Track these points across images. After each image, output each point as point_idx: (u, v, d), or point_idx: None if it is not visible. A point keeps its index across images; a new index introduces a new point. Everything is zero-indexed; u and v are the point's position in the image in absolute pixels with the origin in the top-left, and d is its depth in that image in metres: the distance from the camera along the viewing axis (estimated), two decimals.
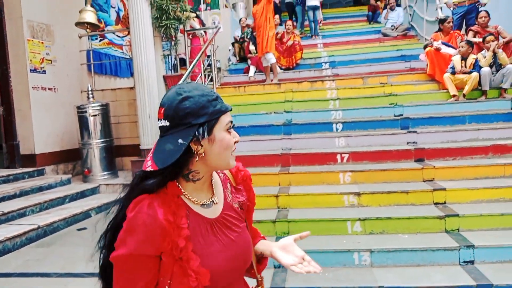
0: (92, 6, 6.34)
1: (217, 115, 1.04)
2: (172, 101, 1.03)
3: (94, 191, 5.88)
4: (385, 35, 10.09)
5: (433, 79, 6.38)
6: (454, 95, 5.68)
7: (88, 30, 5.90)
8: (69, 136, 6.63)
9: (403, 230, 3.61)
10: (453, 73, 5.78)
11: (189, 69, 5.18)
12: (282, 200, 4.07)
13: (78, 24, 5.82)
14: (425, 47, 6.76)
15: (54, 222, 4.57)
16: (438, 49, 6.29)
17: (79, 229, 4.69)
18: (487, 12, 6.31)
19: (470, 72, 5.64)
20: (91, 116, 6.02)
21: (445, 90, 5.93)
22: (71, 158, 6.68)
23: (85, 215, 5.06)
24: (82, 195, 5.62)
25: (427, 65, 6.58)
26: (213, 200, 1.13)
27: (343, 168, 4.49)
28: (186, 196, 1.08)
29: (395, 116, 5.48)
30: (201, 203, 1.10)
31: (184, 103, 1.02)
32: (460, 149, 4.54)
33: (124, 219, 1.02)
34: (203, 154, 1.05)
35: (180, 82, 4.78)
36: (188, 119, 1.02)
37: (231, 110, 1.10)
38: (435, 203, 3.88)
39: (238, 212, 1.18)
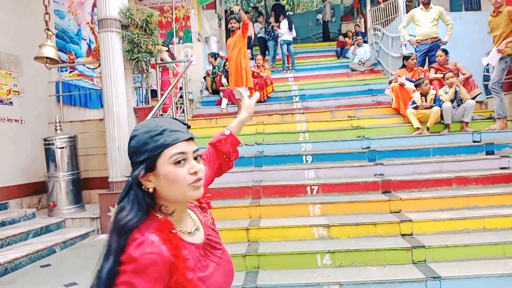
0: (57, 37, 6.28)
1: (159, 150, 1.05)
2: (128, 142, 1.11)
3: (59, 225, 5.68)
4: (353, 70, 10.42)
5: (398, 112, 6.61)
6: (418, 128, 5.90)
7: (47, 64, 5.86)
8: (35, 169, 6.45)
9: (372, 262, 3.64)
10: (416, 107, 6.02)
11: (159, 103, 5.20)
12: (252, 233, 4.05)
13: (37, 58, 5.78)
14: (390, 82, 7.04)
15: (16, 259, 4.38)
16: (402, 85, 6.56)
17: (42, 266, 4.50)
18: (443, 50, 6.66)
19: (431, 107, 5.90)
20: (58, 148, 5.89)
21: (410, 124, 6.14)
22: (37, 191, 6.48)
23: (50, 250, 4.87)
24: (46, 230, 5.42)
25: (392, 99, 6.82)
26: (196, 228, 1.17)
27: (313, 200, 4.53)
28: (175, 228, 1.09)
29: (362, 148, 5.63)
30: (188, 232, 1.13)
31: (131, 142, 1.10)
32: (425, 181, 4.68)
33: (118, 266, 1.00)
34: (151, 190, 1.07)
35: (150, 115, 4.78)
36: (133, 157, 1.08)
37: (188, 139, 1.10)
38: (402, 235, 3.95)
39: (215, 229, 1.24)
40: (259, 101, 7.86)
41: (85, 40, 8.34)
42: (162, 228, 1.04)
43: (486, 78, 6.91)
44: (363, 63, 10.47)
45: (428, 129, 5.88)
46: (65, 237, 5.18)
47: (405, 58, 7.07)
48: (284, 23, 11.14)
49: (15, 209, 6.01)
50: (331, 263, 3.65)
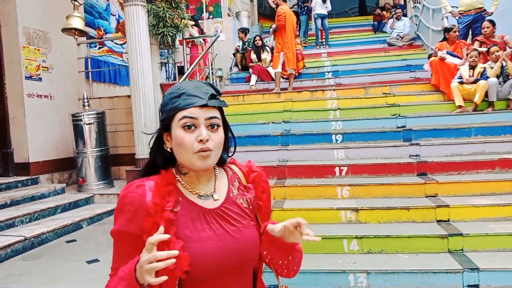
0: (85, 10, 6.19)
1: (173, 112, 1.07)
2: None
3: (88, 201, 5.72)
4: (390, 44, 9.92)
5: (437, 89, 6.17)
6: (460, 106, 5.46)
7: (76, 36, 5.77)
8: (64, 145, 6.50)
9: (403, 250, 3.39)
10: (461, 83, 5.56)
11: (183, 78, 5.03)
12: (275, 215, 3.86)
13: (65, 30, 5.70)
14: (429, 56, 6.56)
15: (43, 234, 4.41)
16: (443, 59, 6.09)
17: (68, 241, 4.52)
18: (491, 22, 6.10)
19: (476, 81, 5.43)
20: (86, 124, 5.89)
21: (450, 101, 5.71)
22: (67, 167, 6.54)
23: (76, 226, 4.89)
24: (75, 205, 5.47)
25: (431, 75, 6.37)
26: (212, 195, 1.13)
27: (341, 181, 4.28)
28: (183, 185, 1.12)
29: (397, 127, 5.28)
30: (199, 194, 1.12)
31: (162, 101, 1.14)
32: (465, 163, 4.32)
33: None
34: (169, 149, 1.11)
35: None
36: (160, 115, 1.14)
37: (205, 105, 1.06)
38: (438, 221, 3.66)
39: (243, 208, 1.15)
40: (288, 78, 7.59)
41: (114, 15, 8.28)
42: (164, 178, 1.09)
43: None
44: (402, 38, 9.92)
45: (476, 106, 5.41)
46: (92, 213, 5.20)
47: (446, 30, 6.54)
48: None
49: (45, 184, 6.09)
50: (358, 249, 3.43)
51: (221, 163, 1.20)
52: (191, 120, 1.05)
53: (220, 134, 1.09)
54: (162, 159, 1.13)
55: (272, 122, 5.69)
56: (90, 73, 7.16)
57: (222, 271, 1.07)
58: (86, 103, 6.03)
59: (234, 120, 6.06)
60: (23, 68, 5.91)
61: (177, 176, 1.12)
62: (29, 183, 5.90)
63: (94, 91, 7.21)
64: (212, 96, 1.08)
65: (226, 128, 1.16)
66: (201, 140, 1.04)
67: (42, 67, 6.25)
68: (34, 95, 6.09)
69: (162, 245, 0.97)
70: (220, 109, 1.13)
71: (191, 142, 1.04)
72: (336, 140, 5.14)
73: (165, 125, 1.09)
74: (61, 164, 6.48)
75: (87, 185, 5.94)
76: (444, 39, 6.66)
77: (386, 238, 3.42)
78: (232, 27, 10.12)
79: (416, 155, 4.66)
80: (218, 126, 1.09)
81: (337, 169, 4.48)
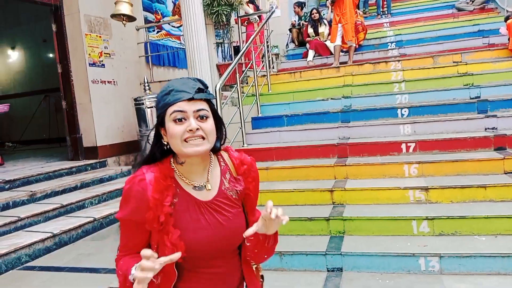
0: None
1: (164, 108, 1.17)
2: None
3: None
4: (459, 9, 9.18)
5: None
6: None
7: (124, 22, 5.84)
8: (129, 128, 6.72)
9: (480, 232, 3.09)
10: None
11: (237, 57, 4.92)
12: (337, 195, 3.70)
13: (114, 16, 5.78)
14: (506, 19, 5.92)
15: (111, 214, 4.59)
16: None
17: None
18: None
19: None
20: (148, 108, 6.01)
21: None
22: (132, 150, 6.77)
23: None
24: None
25: (508, 39, 5.76)
26: (205, 185, 1.23)
27: (408, 159, 3.99)
28: (180, 176, 1.22)
29: (470, 98, 4.83)
30: (194, 185, 1.22)
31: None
32: None
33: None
34: (165, 143, 1.20)
35: (227, 70, 4.53)
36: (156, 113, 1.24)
37: (192, 99, 1.15)
38: None
39: (232, 200, 1.26)
40: (347, 50, 7.25)
41: None
42: (162, 170, 1.19)
43: None
44: (472, 1, 9.11)
45: None
46: None
47: None
48: None
49: (112, 167, 6.36)
50: (429, 231, 3.18)
51: (215, 150, 1.29)
52: (180, 114, 1.15)
53: (209, 123, 1.18)
54: (159, 152, 1.23)
55: (331, 98, 5.45)
56: (150, 58, 7.29)
57: (214, 255, 1.22)
58: (147, 87, 6.15)
59: (291, 98, 5.89)
60: (87, 55, 6.12)
61: (174, 166, 1.22)
62: (98, 166, 6.18)
63: (154, 75, 7.34)
64: (199, 90, 1.17)
65: (217, 118, 1.23)
66: (190, 130, 1.14)
67: (105, 53, 6.45)
68: (98, 81, 6.31)
69: (161, 234, 1.15)
70: (209, 102, 1.21)
71: (181, 132, 1.14)
72: (402, 115, 4.81)
73: (160, 121, 1.19)
74: (127, 147, 6.71)
75: None
76: None
77: (461, 219, 3.14)
78: (287, 1, 9.85)
79: (493, 128, 4.24)
80: (207, 117, 1.18)
81: (403, 146, 4.18)
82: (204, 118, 1.17)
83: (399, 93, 5.23)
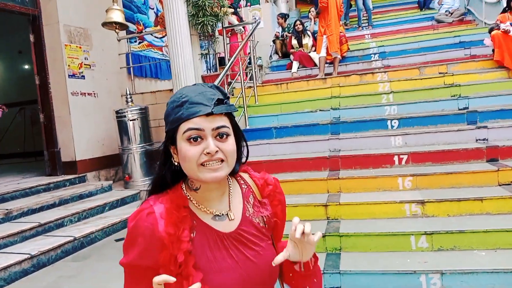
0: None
1: (176, 124, 0.96)
2: None
3: (135, 197, 5.68)
4: (439, 21, 9.31)
5: (500, 66, 5.62)
6: None
7: (117, 30, 5.67)
8: (110, 142, 6.49)
9: (479, 246, 3.03)
10: None
11: (226, 68, 4.81)
12: (332, 210, 3.59)
13: (105, 24, 5.60)
14: (490, 30, 5.98)
15: (92, 233, 4.39)
16: (507, 32, 5.52)
17: (117, 240, 4.47)
18: None
19: None
20: (130, 120, 5.83)
21: None
22: (113, 164, 6.54)
23: (124, 224, 4.83)
24: (122, 202, 5.44)
25: (493, 50, 5.82)
26: (227, 214, 1.03)
27: (401, 171, 3.93)
28: (196, 204, 1.02)
29: (459, 109, 4.82)
30: (213, 214, 1.02)
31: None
32: None
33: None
34: (176, 163, 1.01)
35: (215, 82, 4.42)
36: (165, 125, 1.03)
37: (207, 114, 0.95)
38: None
39: (259, 229, 1.05)
40: (332, 62, 7.22)
41: (152, 9, 8.20)
42: (174, 200, 0.99)
43: None
44: (451, 13, 9.26)
45: None
46: None
47: None
48: None
49: (92, 182, 6.11)
50: (427, 247, 3.10)
51: (233, 172, 1.08)
52: (196, 132, 0.94)
53: (230, 143, 0.98)
54: (170, 174, 1.03)
55: (320, 110, 5.37)
56: (131, 69, 7.11)
57: None
58: (129, 99, 5.97)
59: (279, 110, 5.79)
60: (66, 67, 5.91)
61: (188, 193, 1.02)
62: (77, 182, 5.93)
63: (136, 87, 7.16)
64: (219, 101, 0.97)
65: (238, 134, 1.04)
66: (208, 153, 0.94)
67: (85, 64, 6.24)
68: (78, 93, 6.09)
69: (180, 279, 0.93)
70: (229, 115, 1.01)
71: (196, 155, 0.94)
72: (392, 126, 4.76)
73: (170, 137, 1.00)
74: (107, 161, 6.49)
75: (133, 181, 5.91)
76: (505, 10, 6.07)
77: (459, 234, 3.07)
78: (270, 13, 9.81)
79: (484, 139, 4.22)
80: (228, 135, 0.98)
81: (396, 158, 4.12)
82: (224, 136, 0.97)
83: (387, 105, 5.19)
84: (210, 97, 0.97)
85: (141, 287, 0.97)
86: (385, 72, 6.34)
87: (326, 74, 7.03)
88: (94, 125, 6.32)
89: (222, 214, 1.03)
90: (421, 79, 5.72)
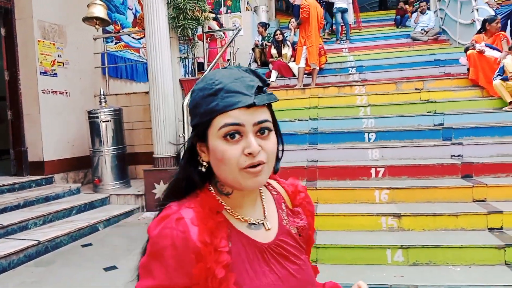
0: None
1: (209, 117, 0.80)
2: None
3: (104, 201, 5.49)
4: (414, 39, 9.53)
5: (475, 84, 5.77)
6: (511, 102, 5.04)
7: (97, 26, 5.49)
8: (80, 143, 6.27)
9: (454, 261, 3.05)
10: (504, 79, 5.14)
11: (205, 73, 4.72)
12: None
13: (87, 19, 5.42)
14: (466, 50, 6.15)
15: (57, 237, 4.19)
16: (481, 52, 5.68)
17: (83, 245, 4.28)
18: None
19: None
20: (103, 122, 5.65)
21: (490, 97, 5.32)
22: (82, 166, 6.31)
23: (92, 229, 4.66)
24: (90, 206, 5.24)
25: (468, 69, 5.97)
26: (263, 223, 0.89)
27: (378, 184, 3.93)
28: (228, 211, 0.86)
29: (434, 125, 4.91)
30: (249, 222, 0.87)
31: (190, 99, 0.87)
32: None
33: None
34: (205, 163, 0.85)
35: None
36: (190, 118, 0.87)
37: (249, 106, 0.78)
38: (490, 229, 3.30)
39: (297, 240, 0.92)
40: (310, 73, 7.25)
41: (131, 9, 8.05)
42: (205, 204, 0.83)
43: None
44: (426, 32, 9.51)
45: None
46: (108, 215, 4.98)
47: (487, 21, 6.08)
48: None
49: (60, 184, 5.88)
50: (403, 261, 3.09)
51: None
52: (234, 127, 0.78)
53: (273, 141, 0.83)
54: (198, 176, 0.86)
55: (298, 120, 5.36)
56: (106, 69, 6.92)
57: None
58: (103, 100, 5.78)
59: None
60: (38, 63, 5.68)
61: (219, 198, 0.86)
62: (43, 183, 5.69)
63: (111, 88, 6.98)
64: (259, 90, 0.80)
65: (277, 130, 0.87)
66: (250, 153, 0.78)
67: (58, 62, 6.03)
68: (49, 91, 5.86)
69: None
70: (269, 106, 0.85)
71: (236, 156, 0.79)
72: (369, 139, 4.79)
73: (199, 133, 0.83)
74: (77, 163, 6.26)
75: (103, 185, 5.71)
76: (480, 31, 6.25)
77: (435, 248, 3.08)
78: (250, 21, 9.81)
79: (459, 155, 4.30)
80: (270, 130, 0.82)
81: (373, 170, 4.13)
82: (266, 132, 0.81)
83: (365, 117, 5.23)
84: (249, 84, 0.80)
85: None
86: (363, 85, 6.40)
87: (304, 85, 7.05)
88: (65, 125, 6.09)
89: (258, 223, 0.89)
90: (398, 94, 5.81)
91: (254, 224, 0.88)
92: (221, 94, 0.79)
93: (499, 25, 6.05)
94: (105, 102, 5.79)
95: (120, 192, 5.65)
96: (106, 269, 3.54)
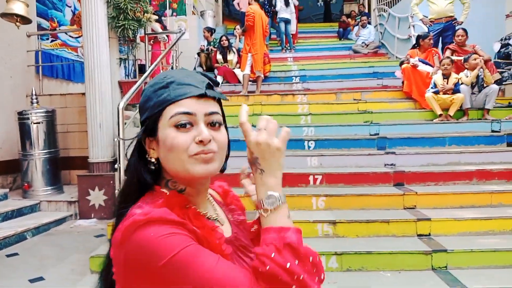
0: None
1: (160, 107, 0.80)
2: None
3: (33, 208, 5.15)
4: (355, 52, 9.93)
5: (409, 97, 6.08)
6: (441, 115, 5.35)
7: (18, 23, 5.16)
8: (9, 145, 5.84)
9: (385, 267, 3.15)
10: (436, 92, 5.45)
11: (145, 75, 4.60)
12: None
13: (5, 15, 5.08)
14: (401, 63, 6.47)
15: None
16: (415, 66, 6.00)
17: (8, 255, 3.98)
18: (464, 30, 6.10)
19: (453, 92, 5.35)
20: (34, 123, 5.31)
21: (422, 109, 5.63)
22: (11, 170, 5.88)
23: (19, 237, 4.36)
24: (18, 213, 4.90)
25: (402, 82, 6.29)
26: (217, 219, 0.90)
27: (316, 191, 4.00)
28: (191, 207, 0.83)
29: (370, 135, 5.09)
30: (207, 217, 0.86)
31: (141, 96, 0.87)
32: (442, 174, 4.16)
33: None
34: (153, 160, 0.83)
35: (132, 88, 4.19)
36: (140, 115, 0.87)
37: (202, 96, 0.80)
38: (419, 235, 3.45)
39: (245, 234, 0.94)
40: (254, 80, 7.29)
41: (69, 7, 7.67)
42: (173, 203, 0.79)
43: (497, 65, 6.44)
44: (367, 45, 9.94)
45: (450, 116, 5.33)
46: (38, 222, 4.68)
47: (421, 37, 6.46)
48: None
49: None
50: (337, 267, 3.15)
51: None
52: (186, 117, 0.79)
53: (223, 133, 0.85)
54: (149, 174, 0.84)
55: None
56: (40, 68, 6.53)
57: None
58: (35, 100, 5.44)
59: None
60: None
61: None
62: None
63: (46, 88, 6.59)
64: (210, 86, 0.83)
65: (226, 129, 0.88)
66: (201, 141, 0.78)
67: None
68: None
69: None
70: (219, 104, 0.87)
71: (186, 143, 0.78)
72: (309, 147, 4.87)
73: (149, 128, 0.82)
74: (5, 166, 5.82)
75: (33, 190, 5.35)
76: (414, 46, 6.61)
77: (367, 255, 3.17)
78: (196, 26, 9.73)
79: (392, 164, 4.48)
80: (220, 124, 0.84)
81: (311, 178, 4.20)
82: (217, 125, 0.83)
83: (305, 126, 5.33)
84: (200, 79, 0.83)
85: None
86: (304, 94, 6.53)
87: (249, 92, 7.07)
88: None
89: (215, 219, 0.89)
90: (337, 103, 5.98)
91: (214, 219, 0.88)
92: (172, 86, 0.80)
93: (431, 41, 6.43)
94: (37, 102, 5.45)
95: (51, 198, 5.33)
96: (31, 281, 3.33)
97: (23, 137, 5.35)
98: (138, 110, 0.89)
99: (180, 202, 0.81)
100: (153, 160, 0.84)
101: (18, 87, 6.18)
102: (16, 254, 4.01)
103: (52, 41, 7.24)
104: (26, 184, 5.37)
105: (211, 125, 0.82)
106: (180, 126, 0.79)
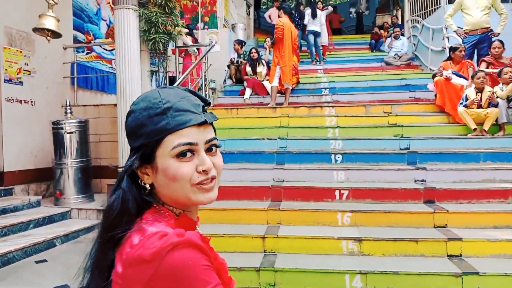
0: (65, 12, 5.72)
1: (158, 137, 0.78)
2: None
3: (64, 216, 5.27)
4: (387, 63, 9.75)
5: (441, 110, 5.88)
6: (475, 129, 5.14)
7: (49, 37, 5.35)
8: (44, 154, 6.05)
9: None
10: (465, 106, 5.25)
11: (174, 85, 4.65)
12: (269, 243, 3.47)
13: (37, 30, 5.30)
14: (433, 76, 6.29)
15: (10, 252, 3.97)
16: (448, 79, 5.80)
17: (37, 261, 4.08)
18: (501, 42, 5.86)
19: (488, 106, 5.14)
20: (67, 133, 5.47)
21: (456, 124, 5.43)
22: (45, 178, 6.08)
23: (49, 244, 4.46)
24: (50, 220, 5.02)
25: (435, 95, 6.10)
26: None
27: (342, 207, 3.91)
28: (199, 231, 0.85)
29: (401, 149, 4.95)
30: None
31: (127, 119, 0.83)
32: (476, 191, 3.98)
33: None
34: (147, 186, 0.82)
35: None
36: (129, 140, 0.83)
37: (201, 123, 0.79)
38: (449, 256, 3.30)
39: None
40: (282, 92, 7.27)
41: (104, 20, 7.93)
42: (185, 225, 0.79)
43: None
44: (399, 57, 9.75)
45: (485, 131, 5.11)
46: (68, 230, 4.78)
47: (452, 49, 6.27)
48: (308, 12, 10.41)
49: (20, 196, 5.63)
50: (361, 286, 3.04)
51: None
52: (188, 147, 0.78)
53: (220, 157, 0.85)
54: (141, 200, 0.82)
55: (268, 138, 5.33)
56: (75, 79, 6.76)
57: None
58: (69, 111, 5.62)
59: (227, 135, 5.69)
60: (2, 71, 5.49)
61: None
62: (2, 194, 5.44)
63: (80, 99, 6.81)
64: (203, 109, 0.82)
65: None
66: (204, 171, 0.79)
67: (24, 70, 5.84)
68: (13, 99, 5.66)
69: None
70: (211, 124, 0.85)
71: (190, 174, 0.78)
72: (336, 161, 4.79)
73: (145, 154, 0.79)
74: (39, 174, 6.02)
75: (64, 198, 5.50)
76: (449, 58, 6.41)
77: (394, 275, 3.04)
78: (227, 38, 9.84)
79: (422, 180, 4.33)
80: (217, 147, 0.84)
81: (337, 193, 4.11)
82: (214, 149, 0.83)
83: (333, 139, 5.24)
84: (195, 102, 0.82)
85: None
86: (333, 107, 6.45)
87: (277, 104, 7.06)
88: (28, 135, 5.88)
89: None
90: (366, 116, 5.86)
91: None
92: (170, 112, 0.77)
93: (463, 53, 6.22)
94: (71, 113, 5.63)
95: (82, 206, 5.45)
96: None
97: (57, 146, 5.51)
98: (126, 130, 0.85)
99: (190, 225, 0.82)
100: (147, 185, 0.83)
101: (54, 98, 6.40)
102: (44, 260, 4.11)
103: (87, 53, 7.49)
104: (58, 192, 5.52)
105: (209, 150, 0.82)
106: (182, 156, 0.78)
